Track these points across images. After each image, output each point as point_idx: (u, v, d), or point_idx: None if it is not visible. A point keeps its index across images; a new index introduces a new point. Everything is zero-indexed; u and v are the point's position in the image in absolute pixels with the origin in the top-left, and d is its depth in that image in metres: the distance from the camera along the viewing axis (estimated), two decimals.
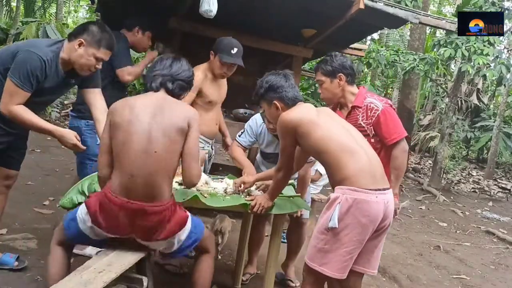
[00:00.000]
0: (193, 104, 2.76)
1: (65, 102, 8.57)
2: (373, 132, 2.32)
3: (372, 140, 2.31)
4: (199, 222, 2.09)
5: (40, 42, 2.24)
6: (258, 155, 3.11)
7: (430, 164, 11.58)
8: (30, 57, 2.10)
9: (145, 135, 1.83)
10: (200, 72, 2.85)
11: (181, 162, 1.96)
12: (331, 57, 2.37)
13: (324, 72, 2.37)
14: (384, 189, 1.89)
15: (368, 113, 2.28)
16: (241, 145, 2.92)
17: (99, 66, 2.31)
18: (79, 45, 2.20)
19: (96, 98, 2.41)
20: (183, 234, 1.95)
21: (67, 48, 2.22)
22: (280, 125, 2.04)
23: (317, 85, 2.59)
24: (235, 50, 2.81)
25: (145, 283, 1.90)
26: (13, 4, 10.75)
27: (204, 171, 2.83)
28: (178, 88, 2.03)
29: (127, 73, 2.99)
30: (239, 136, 2.95)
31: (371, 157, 1.94)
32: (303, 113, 2.02)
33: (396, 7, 3.71)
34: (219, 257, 3.30)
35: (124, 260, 1.85)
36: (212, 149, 3.16)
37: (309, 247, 1.94)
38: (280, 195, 2.46)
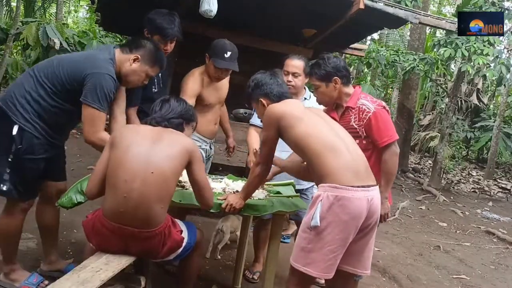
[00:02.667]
0: None
1: None
2: (364, 134, 2.30)
3: (364, 142, 2.30)
4: (193, 229, 2.13)
5: (101, 59, 2.14)
6: None
7: (430, 164, 11.57)
8: (104, 79, 2.06)
9: (142, 159, 1.82)
10: (197, 77, 2.85)
11: (193, 191, 2.05)
12: (324, 60, 2.31)
13: (318, 76, 2.32)
14: (369, 186, 1.84)
15: (360, 115, 2.26)
16: (257, 126, 2.89)
17: (146, 82, 2.31)
18: (134, 60, 2.20)
19: (120, 94, 2.36)
20: (179, 250, 2.00)
21: (119, 61, 2.19)
22: (264, 117, 2.05)
23: None
24: (229, 53, 2.77)
25: (143, 283, 1.90)
26: (13, 4, 10.75)
27: None
28: (175, 125, 2.02)
29: None
30: (251, 119, 2.95)
31: (354, 154, 1.90)
32: (288, 106, 2.03)
33: (396, 7, 3.72)
34: (219, 257, 3.30)
35: (122, 259, 1.84)
36: (210, 148, 3.15)
37: (294, 247, 1.91)
38: (279, 195, 2.46)
